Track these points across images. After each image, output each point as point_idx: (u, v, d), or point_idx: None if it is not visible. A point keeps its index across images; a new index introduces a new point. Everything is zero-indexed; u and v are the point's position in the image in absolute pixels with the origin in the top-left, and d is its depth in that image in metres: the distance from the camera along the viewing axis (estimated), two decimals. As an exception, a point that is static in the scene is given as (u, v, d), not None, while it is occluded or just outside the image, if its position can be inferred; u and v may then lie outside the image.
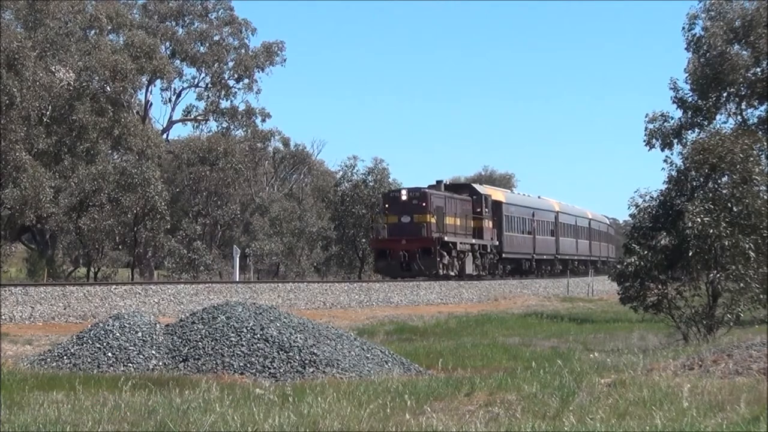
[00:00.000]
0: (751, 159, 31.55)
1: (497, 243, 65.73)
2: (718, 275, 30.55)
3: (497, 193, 70.86)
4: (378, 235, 59.26)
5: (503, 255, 68.47)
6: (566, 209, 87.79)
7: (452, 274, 58.49)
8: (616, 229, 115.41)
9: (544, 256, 79.54)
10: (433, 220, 56.56)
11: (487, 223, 64.23)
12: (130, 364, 21.49)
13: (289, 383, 19.03)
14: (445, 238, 57.16)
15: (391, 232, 57.04)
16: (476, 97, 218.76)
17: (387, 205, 57.98)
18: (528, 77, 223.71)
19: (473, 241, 61.83)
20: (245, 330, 22.21)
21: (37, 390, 17.27)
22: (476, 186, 66.58)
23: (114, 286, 37.78)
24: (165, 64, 69.63)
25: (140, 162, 59.41)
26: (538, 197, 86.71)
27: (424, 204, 56.62)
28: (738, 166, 31.00)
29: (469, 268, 60.65)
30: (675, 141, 52.00)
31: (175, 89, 79.41)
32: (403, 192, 57.58)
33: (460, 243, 59.44)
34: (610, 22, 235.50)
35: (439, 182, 61.88)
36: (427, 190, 57.94)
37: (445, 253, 57.22)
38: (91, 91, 61.96)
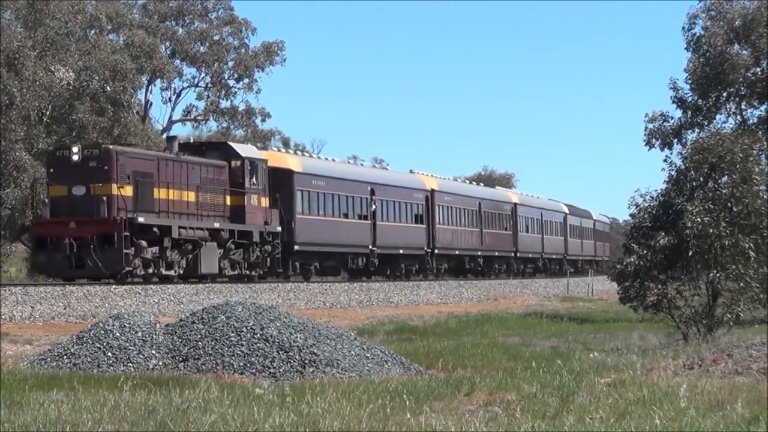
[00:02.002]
0: (751, 159, 31.59)
1: (279, 229, 46.30)
2: (718, 275, 30.58)
3: (291, 160, 51.23)
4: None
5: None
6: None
7: (164, 273, 40.24)
8: (614, 227, 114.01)
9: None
10: (125, 193, 38.54)
11: (256, 201, 45.18)
12: (130, 364, 21.49)
13: (289, 383, 19.04)
14: (141, 220, 38.66)
15: (56, 211, 38.99)
16: (476, 97, 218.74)
17: (51, 170, 39.78)
18: (528, 77, 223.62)
19: (225, 226, 43.22)
20: (245, 330, 22.22)
21: (37, 390, 17.27)
22: (236, 146, 46.79)
23: (114, 286, 37.75)
24: (165, 63, 69.58)
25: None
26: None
27: (106, 167, 38.56)
28: (738, 166, 31.04)
29: (209, 266, 42.05)
30: (675, 141, 52.02)
31: (175, 89, 79.37)
32: (75, 150, 39.01)
33: (186, 228, 40.56)
34: (610, 22, 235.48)
35: (171, 138, 45.71)
36: (113, 147, 40.14)
37: (144, 243, 38.98)
38: (91, 90, 61.92)
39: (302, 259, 49.77)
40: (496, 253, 71.42)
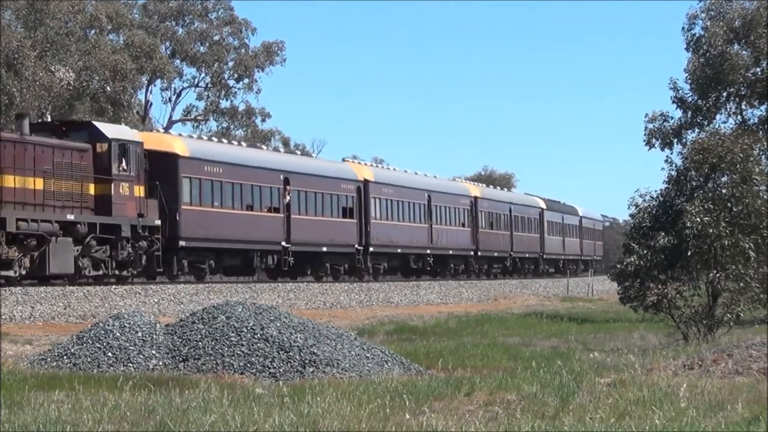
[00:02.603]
0: (751, 159, 31.59)
1: (158, 223, 40.68)
2: (718, 275, 30.58)
3: (176, 143, 44.41)
4: None
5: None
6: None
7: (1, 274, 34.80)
8: (615, 226, 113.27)
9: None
10: None
11: (127, 189, 39.26)
12: (130, 364, 21.49)
13: (289, 383, 19.04)
14: None
15: None
16: (476, 97, 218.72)
17: None
18: (528, 77, 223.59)
19: (84, 218, 37.36)
20: (245, 330, 22.22)
21: (37, 390, 17.27)
22: (102, 126, 40.52)
23: (114, 286, 37.77)
24: (165, 64, 69.64)
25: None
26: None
27: None
28: (738, 166, 31.04)
29: (61, 265, 36.26)
30: (675, 141, 52.04)
31: (175, 89, 79.42)
32: None
33: (27, 221, 35.05)
34: (610, 22, 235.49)
35: (20, 115, 38.61)
36: None
37: None
38: (91, 90, 61.96)
39: (192, 257, 43.66)
40: (451, 252, 64.20)
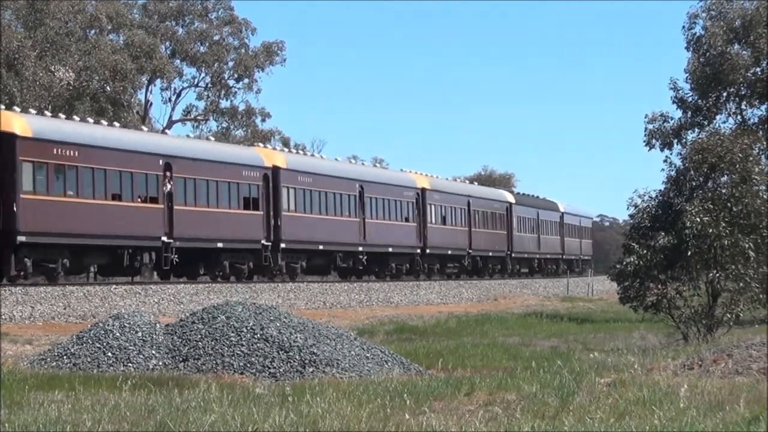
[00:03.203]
0: (751, 159, 31.61)
1: None
2: (718, 275, 30.59)
3: (15, 121, 38.05)
4: None
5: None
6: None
7: None
8: (614, 226, 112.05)
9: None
10: None
11: None
12: (130, 364, 21.50)
13: (289, 383, 19.04)
14: None
15: None
16: (476, 97, 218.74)
17: None
18: (528, 77, 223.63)
19: None
20: (245, 330, 22.23)
21: (37, 390, 17.27)
22: None
23: (114, 286, 37.77)
24: (165, 63, 69.63)
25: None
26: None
27: None
28: (737, 166, 31.05)
29: None
30: (675, 141, 52.04)
31: (175, 89, 79.39)
32: None
33: None
34: (610, 22, 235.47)
35: None
36: None
37: None
38: (91, 90, 61.95)
39: (37, 254, 38.23)
40: (390, 249, 57.46)
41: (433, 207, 61.98)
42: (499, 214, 71.30)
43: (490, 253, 69.58)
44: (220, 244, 45.57)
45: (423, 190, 60.82)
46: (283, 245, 48.84)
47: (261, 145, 56.47)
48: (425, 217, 60.82)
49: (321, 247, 52.25)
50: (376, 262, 56.67)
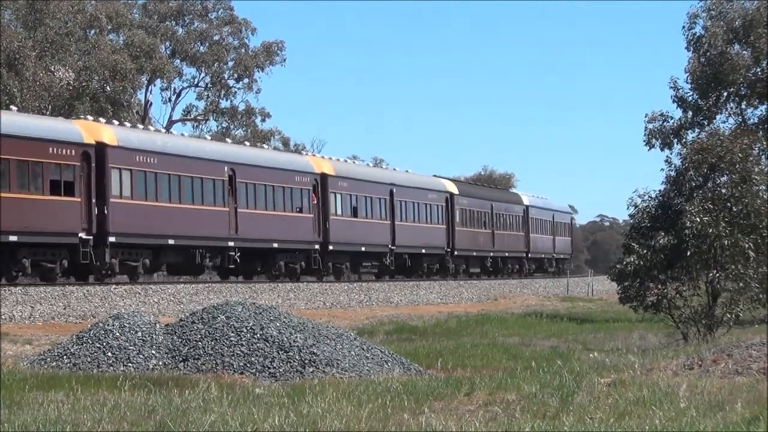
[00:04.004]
0: (751, 159, 31.60)
1: None
2: (718, 275, 30.59)
3: None
4: None
5: None
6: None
7: None
8: (614, 225, 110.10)
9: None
10: None
11: None
12: (130, 364, 21.50)
13: (289, 383, 19.04)
14: None
15: None
16: (476, 97, 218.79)
17: None
18: (528, 77, 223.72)
19: None
20: (245, 330, 22.23)
21: (36, 390, 17.27)
22: None
23: (114, 286, 37.77)
24: (165, 63, 69.65)
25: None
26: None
27: None
28: (737, 166, 31.04)
29: None
30: (675, 141, 52.03)
31: (175, 89, 79.42)
32: None
33: None
34: (610, 22, 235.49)
35: None
36: None
37: None
38: (91, 90, 61.96)
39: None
40: (276, 245, 49.80)
41: (337, 197, 53.81)
42: (437, 206, 63.54)
43: (423, 251, 61.51)
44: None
45: (323, 176, 52.90)
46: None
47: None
48: (328, 208, 53.03)
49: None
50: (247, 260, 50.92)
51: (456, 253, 65.40)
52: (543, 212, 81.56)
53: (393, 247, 58.12)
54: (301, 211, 51.47)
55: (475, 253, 68.78)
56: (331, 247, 53.05)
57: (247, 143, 56.97)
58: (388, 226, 58.37)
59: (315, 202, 52.48)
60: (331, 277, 53.78)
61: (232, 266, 47.07)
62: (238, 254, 46.59)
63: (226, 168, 46.65)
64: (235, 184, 47.15)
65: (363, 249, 55.98)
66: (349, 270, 55.42)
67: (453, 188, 67.03)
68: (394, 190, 59.02)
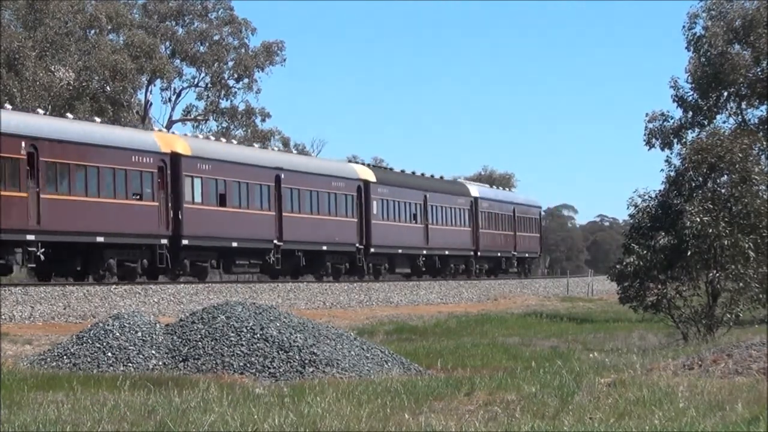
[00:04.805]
0: (751, 159, 31.60)
1: None
2: (718, 275, 30.59)
3: None
4: None
5: None
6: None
7: None
8: (614, 226, 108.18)
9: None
10: None
11: None
12: (130, 364, 21.50)
13: (289, 383, 19.04)
14: None
15: None
16: (476, 97, 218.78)
17: None
18: (529, 77, 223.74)
19: None
20: (245, 330, 22.23)
21: (36, 390, 17.27)
22: None
23: (114, 286, 37.77)
24: (165, 63, 69.65)
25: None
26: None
27: None
28: (737, 166, 31.04)
29: None
30: (675, 141, 52.04)
31: (174, 89, 79.41)
32: None
33: None
34: (610, 22, 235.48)
35: None
36: None
37: None
38: (91, 90, 61.96)
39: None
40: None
41: (197, 182, 45.23)
42: (345, 196, 54.70)
43: (325, 248, 52.86)
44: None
45: (173, 155, 44.14)
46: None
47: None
48: (179, 196, 44.25)
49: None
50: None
51: (374, 250, 55.96)
52: (499, 205, 72.39)
53: (280, 243, 48.75)
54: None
55: (401, 251, 59.14)
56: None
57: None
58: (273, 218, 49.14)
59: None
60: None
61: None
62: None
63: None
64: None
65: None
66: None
67: (369, 175, 57.44)
68: (282, 176, 49.54)
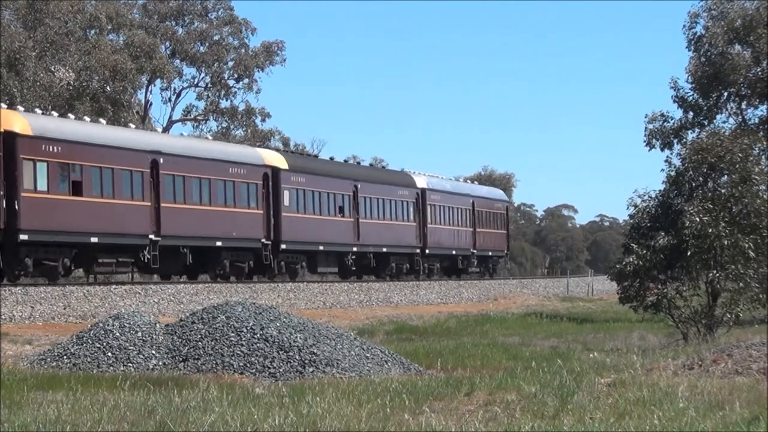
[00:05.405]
0: (751, 159, 31.60)
1: None
2: (718, 275, 30.58)
3: None
4: None
5: None
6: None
7: None
8: (598, 221, 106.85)
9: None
10: None
11: None
12: (130, 364, 21.50)
13: (289, 383, 19.04)
14: None
15: None
16: (476, 97, 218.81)
17: None
18: (529, 77, 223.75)
19: None
20: (245, 330, 22.23)
21: (36, 390, 17.27)
22: None
23: (114, 286, 37.78)
24: (165, 63, 69.64)
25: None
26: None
27: None
28: (737, 166, 31.05)
29: None
30: (675, 141, 52.03)
31: (174, 89, 79.38)
32: None
33: None
34: (610, 22, 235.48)
35: None
36: None
37: None
38: (91, 90, 61.95)
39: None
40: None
41: (36, 166, 38.36)
42: (248, 184, 48.51)
43: (219, 243, 46.23)
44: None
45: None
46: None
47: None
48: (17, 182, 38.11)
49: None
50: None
51: (285, 246, 49.71)
52: (453, 198, 65.53)
53: (157, 238, 42.45)
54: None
55: (322, 248, 52.48)
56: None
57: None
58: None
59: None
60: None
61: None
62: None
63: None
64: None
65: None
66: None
67: (279, 161, 50.77)
68: (161, 161, 43.38)
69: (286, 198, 50.34)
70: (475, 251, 67.28)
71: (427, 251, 61.60)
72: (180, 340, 22.31)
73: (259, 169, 49.22)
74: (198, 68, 78.52)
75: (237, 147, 53.37)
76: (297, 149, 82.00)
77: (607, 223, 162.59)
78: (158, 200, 42.84)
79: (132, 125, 51.89)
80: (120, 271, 44.86)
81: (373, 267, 57.37)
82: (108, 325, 22.68)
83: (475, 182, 73.68)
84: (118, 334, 22.27)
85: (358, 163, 64.48)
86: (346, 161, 62.90)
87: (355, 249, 55.32)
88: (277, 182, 49.98)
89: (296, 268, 51.69)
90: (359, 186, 56.22)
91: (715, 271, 30.56)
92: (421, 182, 62.39)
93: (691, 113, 52.93)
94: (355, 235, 55.26)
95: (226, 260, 46.92)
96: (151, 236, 42.24)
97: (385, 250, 57.76)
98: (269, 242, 48.98)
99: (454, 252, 65.21)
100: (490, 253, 69.75)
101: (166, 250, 42.99)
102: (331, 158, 60.27)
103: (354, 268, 55.69)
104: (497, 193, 75.96)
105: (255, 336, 22.09)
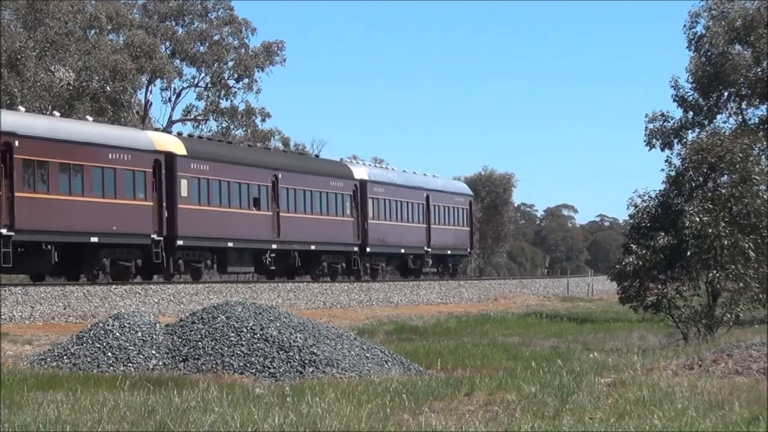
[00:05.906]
0: (751, 159, 31.60)
1: None
2: (718, 275, 30.58)
3: None
4: None
5: None
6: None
7: None
8: (598, 221, 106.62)
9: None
10: None
11: None
12: (130, 364, 21.50)
13: (289, 383, 19.04)
14: None
15: None
16: (476, 97, 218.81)
17: None
18: (529, 77, 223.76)
19: None
20: (245, 330, 22.23)
21: (36, 390, 17.27)
22: None
23: (114, 286, 37.76)
24: (165, 63, 69.66)
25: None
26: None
27: None
28: (737, 166, 31.04)
29: None
30: (675, 141, 52.02)
31: (174, 89, 79.41)
32: None
33: None
34: (610, 22, 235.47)
35: None
36: None
37: None
38: (91, 90, 61.97)
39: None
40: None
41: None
42: (135, 172, 42.43)
43: (95, 239, 40.44)
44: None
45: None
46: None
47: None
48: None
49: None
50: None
51: (183, 243, 44.01)
52: (401, 191, 59.76)
53: (10, 234, 36.24)
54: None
55: (231, 244, 46.58)
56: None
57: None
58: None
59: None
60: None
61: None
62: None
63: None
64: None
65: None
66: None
67: (175, 147, 44.64)
68: (16, 144, 37.18)
69: (183, 188, 44.22)
70: (429, 250, 61.78)
71: (368, 249, 56.07)
72: (180, 340, 22.31)
73: (149, 156, 42.95)
74: (198, 68, 78.57)
75: (121, 130, 46.76)
76: (297, 149, 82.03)
77: (607, 223, 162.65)
78: (12, 191, 36.80)
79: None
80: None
81: (299, 266, 51.68)
82: (108, 325, 22.69)
83: (433, 175, 66.00)
84: (118, 334, 22.27)
85: (284, 150, 58.87)
86: (267, 148, 58.01)
87: (274, 246, 49.24)
88: (172, 170, 43.67)
89: (199, 267, 45.66)
90: (280, 176, 50.14)
91: (715, 271, 30.56)
92: (360, 173, 56.71)
93: (691, 113, 52.94)
94: (275, 231, 49.35)
95: (105, 259, 40.86)
96: (3, 231, 36.39)
97: (313, 247, 51.99)
98: (161, 238, 42.87)
99: (402, 250, 59.65)
100: (449, 252, 64.25)
101: (23, 248, 37.56)
102: (250, 144, 57.38)
103: (274, 268, 49.39)
104: (458, 186, 69.80)
105: (255, 336, 22.10)
